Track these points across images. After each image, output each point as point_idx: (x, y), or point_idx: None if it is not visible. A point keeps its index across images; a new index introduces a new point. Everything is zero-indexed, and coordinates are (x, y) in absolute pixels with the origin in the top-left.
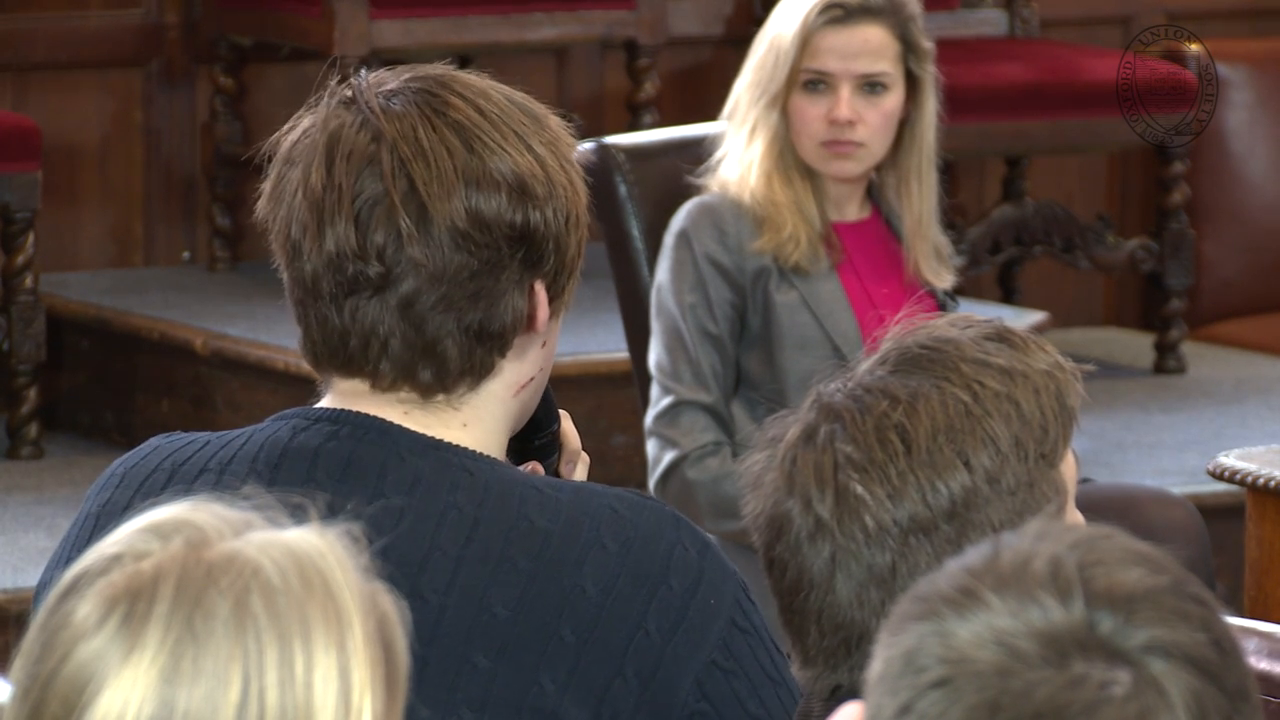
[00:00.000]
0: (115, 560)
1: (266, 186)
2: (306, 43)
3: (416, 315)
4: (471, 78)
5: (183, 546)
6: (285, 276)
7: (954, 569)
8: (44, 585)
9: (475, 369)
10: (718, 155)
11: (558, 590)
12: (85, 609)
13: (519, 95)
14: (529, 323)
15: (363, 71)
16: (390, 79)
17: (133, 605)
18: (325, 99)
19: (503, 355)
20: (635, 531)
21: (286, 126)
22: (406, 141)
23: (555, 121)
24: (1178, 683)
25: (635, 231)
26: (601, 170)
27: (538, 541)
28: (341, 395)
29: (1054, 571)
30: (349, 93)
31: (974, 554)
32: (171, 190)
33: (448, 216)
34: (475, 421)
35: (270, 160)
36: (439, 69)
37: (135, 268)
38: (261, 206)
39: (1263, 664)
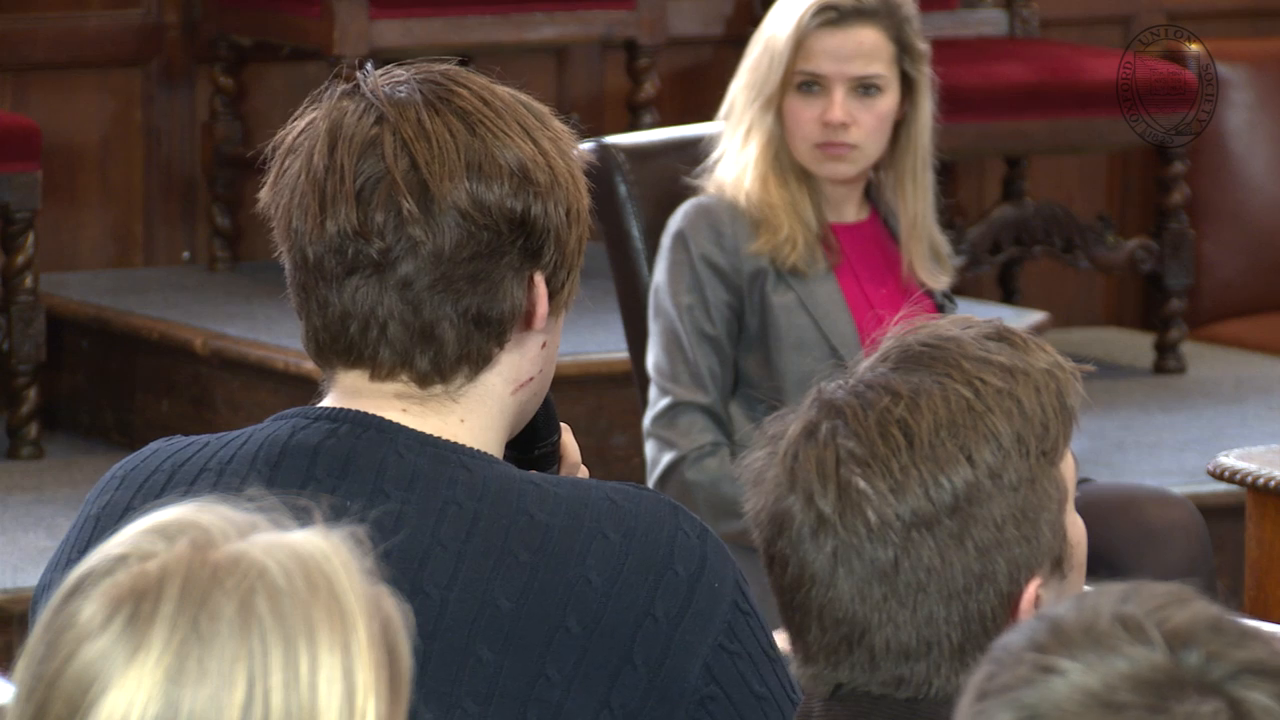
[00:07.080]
0: (120, 561)
1: (269, 176)
2: (306, 43)
3: (415, 296)
4: (478, 76)
5: (188, 548)
6: (286, 262)
7: (1010, 652)
8: (44, 588)
9: (472, 357)
10: (714, 156)
11: (562, 582)
12: (90, 609)
13: (523, 95)
14: (528, 317)
15: (368, 65)
16: (398, 72)
17: (138, 606)
18: (330, 93)
19: (501, 346)
20: (636, 521)
21: (291, 121)
22: (409, 124)
23: (558, 122)
24: (1265, 697)
25: (635, 231)
26: (601, 170)
27: (539, 535)
28: (342, 393)
29: (1124, 624)
30: (354, 85)
31: (1021, 635)
32: (171, 190)
33: (449, 197)
34: (472, 417)
35: (274, 155)
36: (446, 65)
37: (135, 268)
38: (264, 195)
39: None
